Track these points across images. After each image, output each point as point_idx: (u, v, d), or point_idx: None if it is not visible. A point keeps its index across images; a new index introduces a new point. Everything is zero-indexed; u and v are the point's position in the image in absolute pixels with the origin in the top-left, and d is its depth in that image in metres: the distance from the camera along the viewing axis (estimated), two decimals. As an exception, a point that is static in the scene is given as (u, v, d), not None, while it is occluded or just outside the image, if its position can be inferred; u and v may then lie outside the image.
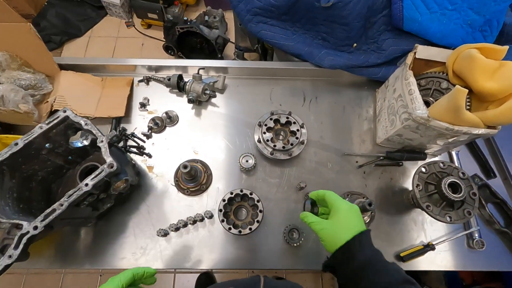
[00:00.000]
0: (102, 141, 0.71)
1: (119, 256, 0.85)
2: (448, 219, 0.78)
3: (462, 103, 0.73)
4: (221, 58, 2.28)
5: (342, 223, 0.61)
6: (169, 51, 2.31)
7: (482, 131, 0.77)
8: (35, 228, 0.62)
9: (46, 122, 0.71)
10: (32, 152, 0.73)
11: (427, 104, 0.85)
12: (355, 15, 0.93)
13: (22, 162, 0.73)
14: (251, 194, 0.82)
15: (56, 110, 0.93)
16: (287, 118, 0.95)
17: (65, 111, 0.73)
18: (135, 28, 2.64)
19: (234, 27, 1.94)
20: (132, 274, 0.58)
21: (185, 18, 2.19)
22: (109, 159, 0.69)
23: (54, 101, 0.96)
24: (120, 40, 2.61)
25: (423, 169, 0.84)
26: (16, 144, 0.69)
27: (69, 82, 1.02)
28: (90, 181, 0.66)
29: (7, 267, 0.60)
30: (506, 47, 0.79)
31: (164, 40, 2.37)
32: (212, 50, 2.27)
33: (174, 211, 0.90)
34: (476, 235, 0.89)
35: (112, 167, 0.68)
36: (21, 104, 0.91)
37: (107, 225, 0.89)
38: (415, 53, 0.87)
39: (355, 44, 1.02)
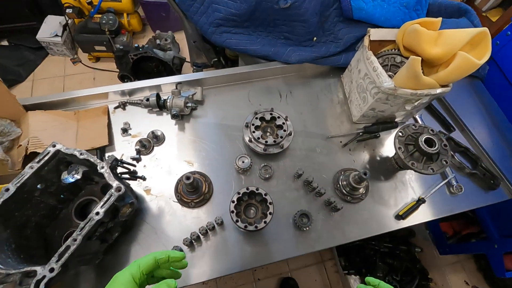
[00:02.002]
0: (103, 167, 0.69)
1: None
2: (431, 171, 0.89)
3: (419, 70, 0.86)
4: (181, 77, 2.29)
5: None
6: (125, 80, 2.26)
7: (439, 90, 0.90)
8: (51, 270, 0.58)
9: (36, 160, 0.68)
10: (25, 196, 0.68)
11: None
12: (311, 12, 1.03)
13: (15, 209, 0.67)
14: (257, 189, 0.85)
15: (33, 153, 0.89)
16: (271, 114, 1.01)
17: (54, 145, 0.70)
18: (83, 64, 2.54)
19: (187, 46, 1.97)
20: (154, 259, 0.54)
21: (136, 45, 2.16)
22: (115, 182, 0.67)
23: (28, 144, 0.90)
24: (69, 78, 2.48)
25: (400, 133, 0.94)
26: (7, 190, 0.64)
27: (40, 121, 0.97)
28: (100, 208, 0.64)
29: (28, 320, 0.55)
30: (440, 19, 0.94)
31: (118, 70, 2.31)
32: (170, 71, 2.27)
33: (183, 226, 0.89)
34: (454, 182, 1.02)
35: (119, 190, 0.66)
36: (-8, 152, 0.84)
37: (114, 257, 0.84)
38: (369, 35, 0.99)
39: (315, 38, 1.12)
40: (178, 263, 0.57)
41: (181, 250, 0.84)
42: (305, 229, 0.91)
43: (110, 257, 0.84)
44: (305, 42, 1.13)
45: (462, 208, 1.00)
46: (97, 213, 0.63)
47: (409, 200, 0.99)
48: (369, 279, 0.65)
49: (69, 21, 2.39)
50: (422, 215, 0.98)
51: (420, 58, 0.85)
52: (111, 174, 0.68)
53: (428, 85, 0.89)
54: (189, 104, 1.02)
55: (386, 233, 1.99)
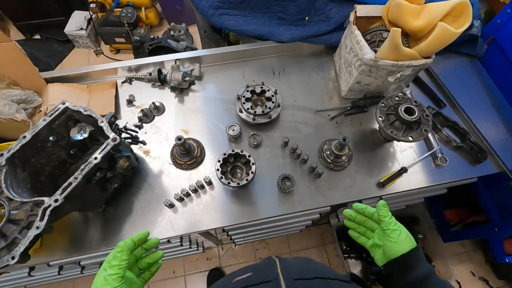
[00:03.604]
0: (102, 121, 0.80)
1: (133, 233, 0.91)
2: (410, 138, 0.92)
3: (399, 41, 0.89)
4: (193, 66, 2.41)
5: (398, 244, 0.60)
6: (142, 69, 2.41)
7: (421, 61, 0.93)
8: (56, 200, 0.69)
9: (49, 114, 0.80)
10: (39, 145, 0.81)
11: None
12: (301, -9, 1.09)
13: (31, 155, 0.80)
14: (242, 152, 0.92)
15: (50, 117, 1.01)
16: (261, 87, 1.08)
17: (64, 103, 0.81)
18: (105, 55, 2.73)
19: (199, 37, 2.08)
20: (132, 241, 0.59)
21: (152, 36, 2.31)
22: (111, 134, 0.78)
23: (47, 110, 1.04)
24: (92, 68, 2.68)
25: (382, 104, 0.98)
26: (25, 137, 0.76)
27: (58, 92, 1.10)
28: (98, 154, 0.75)
29: (36, 237, 0.66)
30: (424, -8, 0.96)
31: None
32: (183, 60, 2.39)
33: (176, 185, 0.99)
34: (439, 154, 1.04)
35: (115, 140, 0.77)
36: (17, 114, 0.98)
37: (116, 209, 0.95)
38: (355, 12, 1.03)
39: (307, 18, 1.18)
40: (150, 244, 0.65)
41: (171, 204, 0.94)
42: (287, 191, 0.97)
43: (112, 208, 0.96)
44: (298, 22, 1.19)
45: (446, 179, 1.02)
46: (95, 158, 0.74)
47: (392, 170, 1.02)
48: (355, 204, 0.71)
49: (93, 16, 2.59)
50: (405, 184, 1.01)
51: (400, 30, 0.88)
52: (109, 127, 0.79)
53: (409, 56, 0.93)
54: (187, 78, 1.12)
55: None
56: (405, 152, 1.06)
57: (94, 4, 2.44)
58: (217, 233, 1.36)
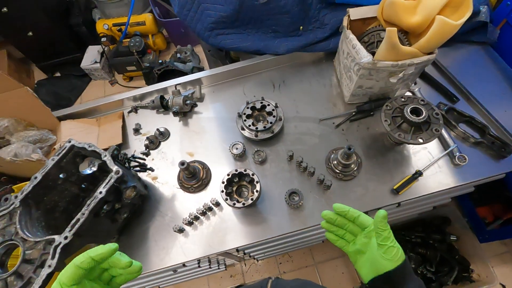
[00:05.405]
0: (105, 155, 0.82)
1: (145, 261, 0.93)
2: (420, 140, 0.87)
3: (396, 40, 0.85)
4: (201, 85, 2.46)
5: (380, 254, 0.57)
6: (153, 93, 2.50)
7: (422, 58, 0.88)
8: (66, 238, 0.71)
9: (56, 154, 0.83)
10: (50, 183, 0.84)
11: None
12: (291, 3, 1.09)
13: (43, 194, 0.83)
14: (245, 171, 0.92)
15: (63, 153, 1.06)
16: (261, 102, 1.07)
17: (70, 141, 0.85)
18: (119, 84, 2.87)
19: (205, 57, 2.13)
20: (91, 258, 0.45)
21: (160, 61, 2.39)
22: (114, 167, 0.80)
23: (60, 146, 1.09)
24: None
25: (387, 107, 0.94)
26: (36, 177, 0.80)
27: (69, 128, 1.16)
28: (103, 188, 0.77)
29: (49, 276, 0.68)
30: (418, -13, 0.92)
31: (147, 85, 2.57)
32: (191, 81, 2.45)
33: (185, 209, 0.99)
34: (457, 152, 0.97)
35: (118, 173, 0.79)
36: (33, 154, 1.04)
37: (129, 238, 0.97)
38: (349, 15, 1.01)
39: (301, 27, 1.17)
40: (122, 269, 0.49)
41: (181, 229, 0.94)
42: (297, 206, 0.94)
43: (125, 237, 0.98)
44: (293, 32, 1.18)
45: (468, 179, 0.94)
46: (100, 192, 0.76)
47: (407, 175, 0.97)
48: (337, 205, 0.64)
49: (106, 48, 2.73)
50: (422, 189, 0.95)
51: (395, 29, 0.84)
52: (112, 161, 0.81)
53: (409, 55, 0.88)
54: (188, 102, 1.14)
55: (419, 223, 1.90)
56: (418, 154, 1.00)
57: (105, 38, 2.58)
58: (232, 253, 1.34)
